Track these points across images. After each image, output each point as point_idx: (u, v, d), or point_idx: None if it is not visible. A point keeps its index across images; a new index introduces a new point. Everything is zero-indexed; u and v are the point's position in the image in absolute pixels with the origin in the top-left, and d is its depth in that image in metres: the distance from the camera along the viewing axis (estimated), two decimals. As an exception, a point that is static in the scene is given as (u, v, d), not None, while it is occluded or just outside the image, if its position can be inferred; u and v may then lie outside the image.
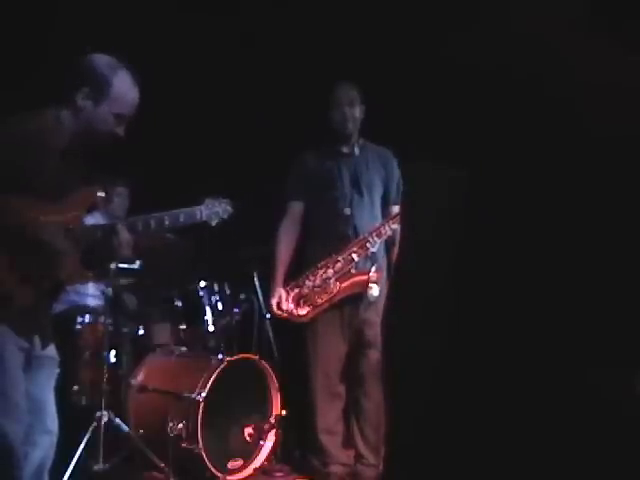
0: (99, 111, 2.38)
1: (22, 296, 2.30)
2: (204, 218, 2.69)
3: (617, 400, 1.28)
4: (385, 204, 3.78)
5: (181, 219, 2.60)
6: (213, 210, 2.72)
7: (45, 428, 2.48)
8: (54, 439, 2.51)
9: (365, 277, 3.61)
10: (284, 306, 3.70)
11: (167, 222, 2.54)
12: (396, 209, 3.76)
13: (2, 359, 2.31)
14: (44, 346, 2.45)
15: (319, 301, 3.65)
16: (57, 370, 2.57)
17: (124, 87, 2.40)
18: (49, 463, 2.53)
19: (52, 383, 2.52)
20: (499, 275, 1.30)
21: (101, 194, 2.49)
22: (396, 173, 3.81)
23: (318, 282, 3.66)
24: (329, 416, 3.72)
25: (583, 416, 1.33)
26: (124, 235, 2.46)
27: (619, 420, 1.30)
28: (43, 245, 2.32)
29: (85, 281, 2.54)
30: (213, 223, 2.74)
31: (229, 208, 2.78)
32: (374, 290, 3.61)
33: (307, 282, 3.68)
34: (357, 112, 3.72)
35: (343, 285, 3.64)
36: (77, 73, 2.40)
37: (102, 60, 2.41)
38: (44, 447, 2.48)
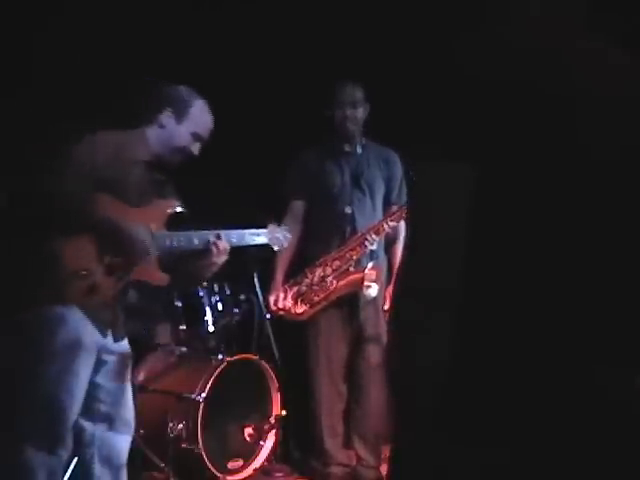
0: (180, 128, 2.68)
1: (105, 288, 2.46)
2: (267, 241, 2.89)
3: (626, 400, 1.28)
4: (386, 203, 3.78)
5: (246, 239, 2.80)
6: (275, 235, 2.92)
7: (123, 420, 2.65)
8: (132, 430, 2.72)
9: (361, 275, 3.60)
10: (281, 304, 3.70)
11: (234, 239, 2.73)
12: (396, 209, 3.75)
13: (80, 344, 2.42)
14: (116, 340, 2.60)
15: (316, 299, 3.65)
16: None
17: (201, 110, 2.74)
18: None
19: (127, 376, 2.68)
20: (507, 273, 1.30)
21: (180, 209, 2.68)
22: (399, 173, 3.80)
23: (316, 280, 3.65)
24: (333, 416, 3.72)
25: (590, 416, 1.33)
26: (224, 244, 2.65)
27: (627, 420, 1.30)
28: (132, 241, 2.49)
29: (160, 284, 2.66)
30: (275, 248, 2.95)
31: (288, 235, 2.98)
32: (372, 289, 3.59)
33: (305, 280, 3.68)
34: (359, 113, 3.69)
35: (340, 283, 3.63)
36: (161, 97, 2.73)
37: (183, 88, 2.75)
38: (125, 438, 2.69)
